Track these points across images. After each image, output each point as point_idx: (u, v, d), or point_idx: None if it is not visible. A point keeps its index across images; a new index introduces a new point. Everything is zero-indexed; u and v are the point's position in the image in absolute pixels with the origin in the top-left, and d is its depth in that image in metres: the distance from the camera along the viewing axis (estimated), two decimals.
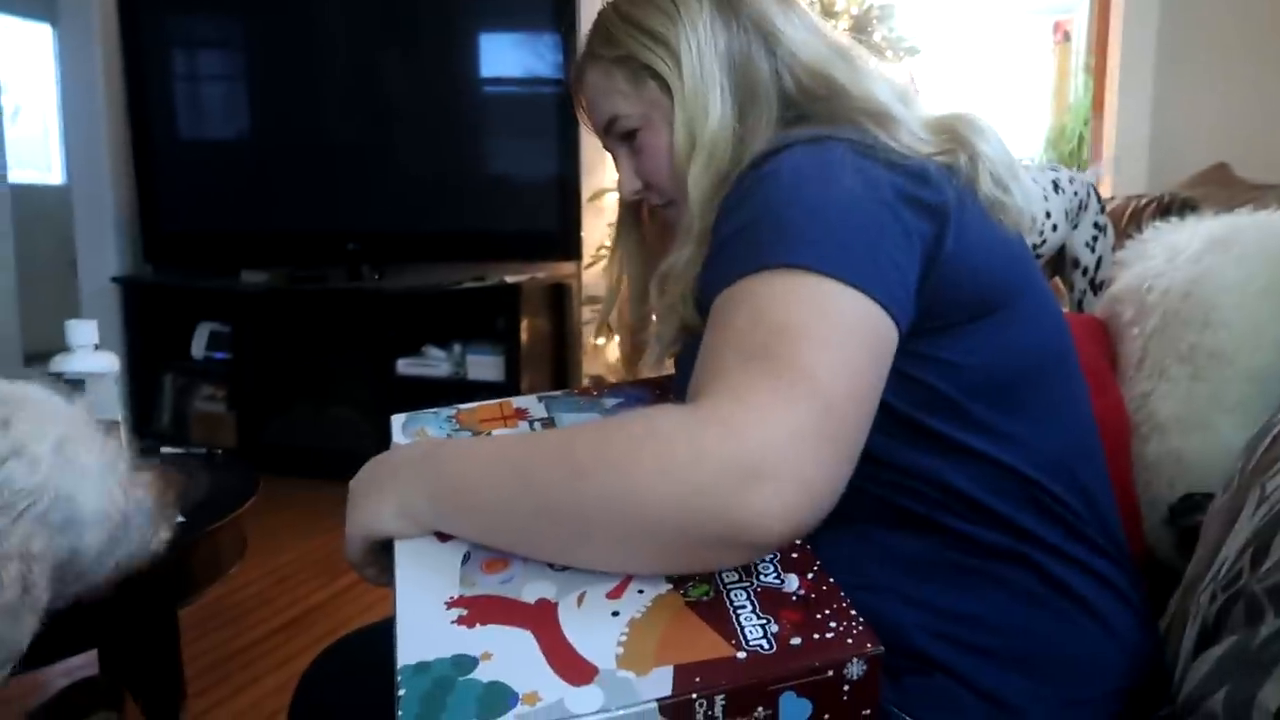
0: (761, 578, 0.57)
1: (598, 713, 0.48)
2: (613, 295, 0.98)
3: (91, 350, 1.29)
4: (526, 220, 3.14)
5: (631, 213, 0.97)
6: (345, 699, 0.81)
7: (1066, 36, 6.13)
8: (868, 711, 0.52)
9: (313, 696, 0.88)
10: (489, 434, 0.81)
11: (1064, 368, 0.76)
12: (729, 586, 0.56)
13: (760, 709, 0.50)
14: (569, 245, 3.10)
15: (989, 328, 0.69)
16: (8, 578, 0.61)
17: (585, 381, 3.16)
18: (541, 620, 0.54)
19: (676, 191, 0.83)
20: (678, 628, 0.53)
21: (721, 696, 0.49)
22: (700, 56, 0.80)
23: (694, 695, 0.49)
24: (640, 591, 0.56)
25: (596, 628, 0.53)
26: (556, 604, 0.55)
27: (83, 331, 1.29)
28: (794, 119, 0.80)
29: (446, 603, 0.56)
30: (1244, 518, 0.68)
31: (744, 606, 0.54)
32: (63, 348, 1.28)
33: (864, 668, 0.51)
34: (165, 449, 1.55)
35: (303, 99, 3.33)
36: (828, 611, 0.54)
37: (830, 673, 0.50)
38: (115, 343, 3.35)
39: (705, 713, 0.49)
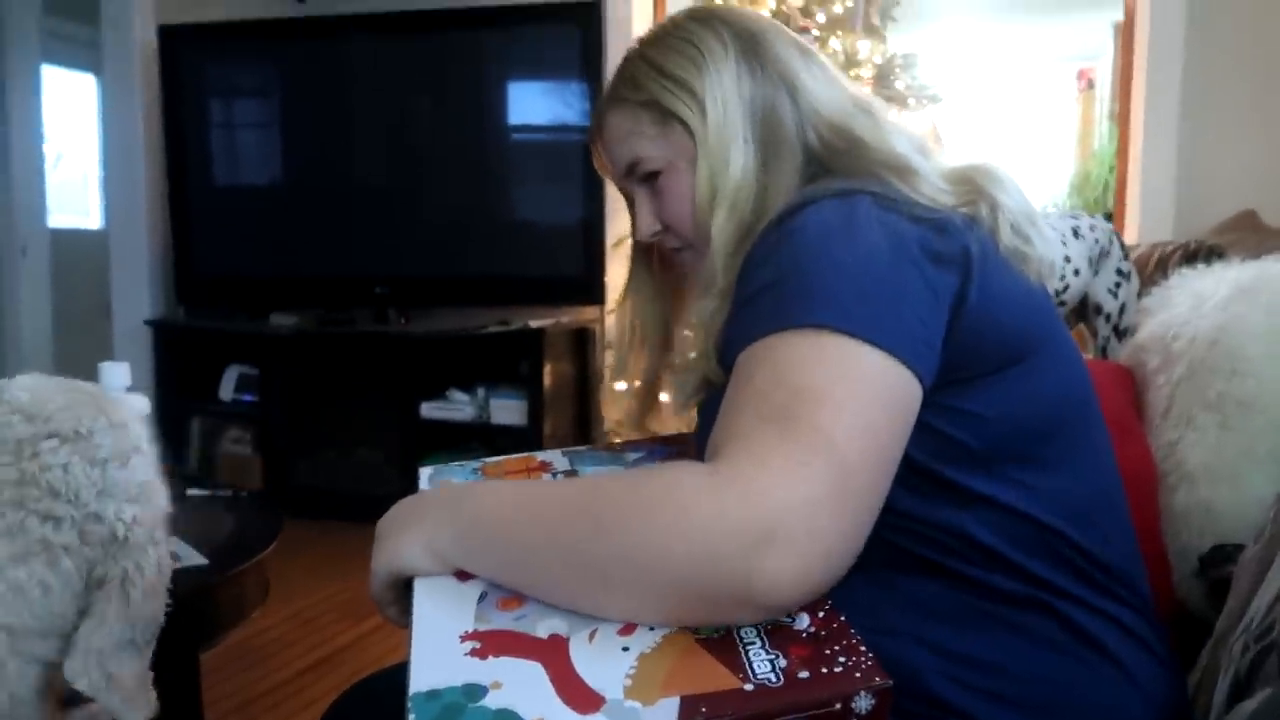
0: None
1: None
2: (624, 345, 0.98)
3: (124, 392, 1.32)
4: (551, 265, 3.17)
5: (643, 259, 0.96)
6: None
7: (1091, 84, 6.15)
8: None
9: None
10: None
11: (1086, 417, 0.75)
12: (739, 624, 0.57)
13: None
14: (593, 290, 3.13)
15: (1012, 379, 0.69)
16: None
17: (606, 426, 3.16)
18: (553, 653, 0.55)
19: (696, 237, 0.83)
20: (686, 662, 0.53)
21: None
22: (725, 105, 0.80)
23: None
24: (651, 629, 0.57)
25: (606, 661, 0.54)
26: (568, 639, 0.56)
27: (116, 373, 1.32)
28: (815, 172, 0.80)
29: (461, 636, 0.57)
30: (1275, 569, 0.67)
31: (753, 643, 0.55)
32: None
33: (872, 701, 0.51)
34: (191, 490, 1.56)
35: (333, 146, 3.39)
36: (837, 647, 0.54)
37: (838, 705, 0.50)
38: (146, 384, 3.40)
39: None
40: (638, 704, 0.50)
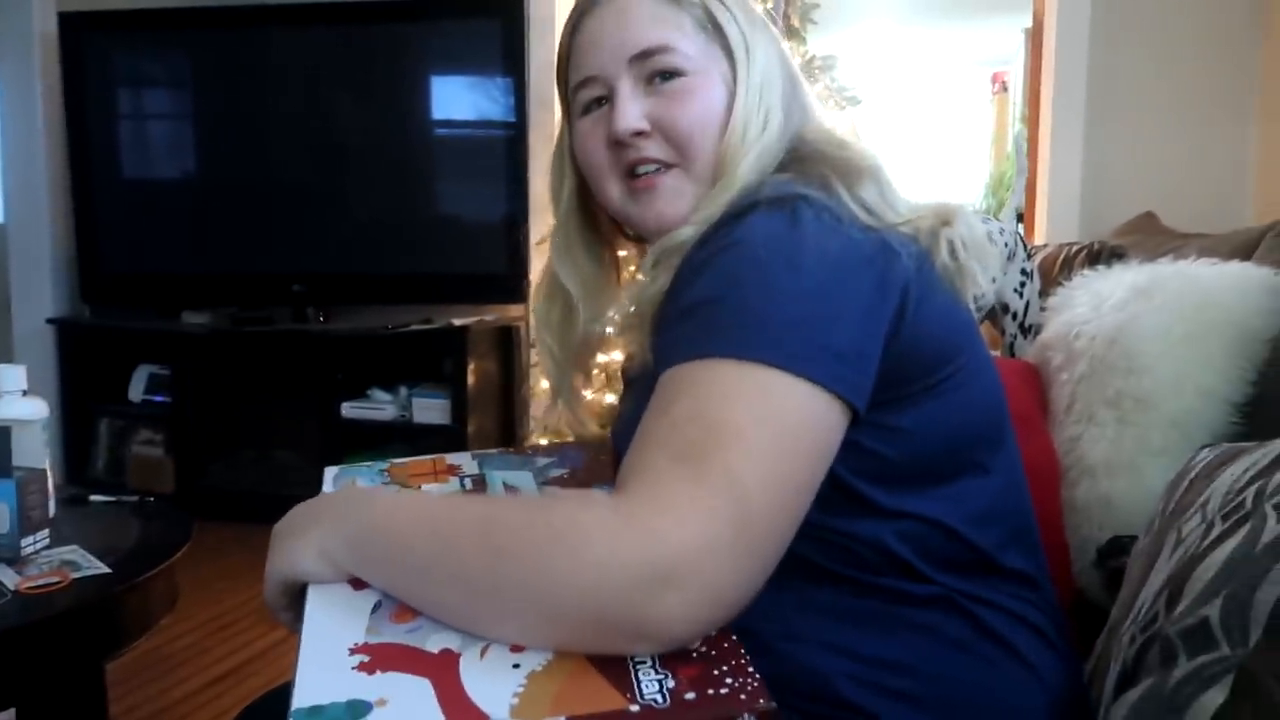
0: None
1: None
2: (555, 334, 0.89)
3: (19, 396, 1.27)
4: (474, 263, 3.14)
5: (579, 213, 0.89)
6: None
7: (1005, 87, 6.33)
8: None
9: None
10: (418, 489, 0.80)
11: (1000, 426, 0.77)
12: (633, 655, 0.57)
13: None
14: (517, 288, 3.10)
15: (936, 395, 0.69)
16: None
17: (531, 425, 3.15)
18: (442, 670, 0.54)
19: (699, 152, 0.77)
20: (575, 681, 0.53)
21: None
22: (767, 64, 0.80)
23: None
24: None
25: (495, 679, 0.53)
26: (459, 655, 0.55)
27: (10, 377, 1.27)
28: (783, 168, 0.77)
29: (350, 649, 0.56)
30: (1161, 560, 0.69)
31: (644, 662, 0.55)
32: None
33: None
34: (95, 497, 1.51)
35: (249, 139, 3.30)
36: (725, 668, 0.54)
37: None
38: (50, 386, 3.27)
39: None
40: None
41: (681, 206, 0.78)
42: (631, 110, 0.78)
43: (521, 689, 0.52)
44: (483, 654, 0.55)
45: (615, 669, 0.54)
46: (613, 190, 0.81)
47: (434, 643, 0.56)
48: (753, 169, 0.75)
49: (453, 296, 3.15)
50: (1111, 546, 1.01)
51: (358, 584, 0.62)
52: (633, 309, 0.75)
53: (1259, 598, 0.56)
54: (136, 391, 3.30)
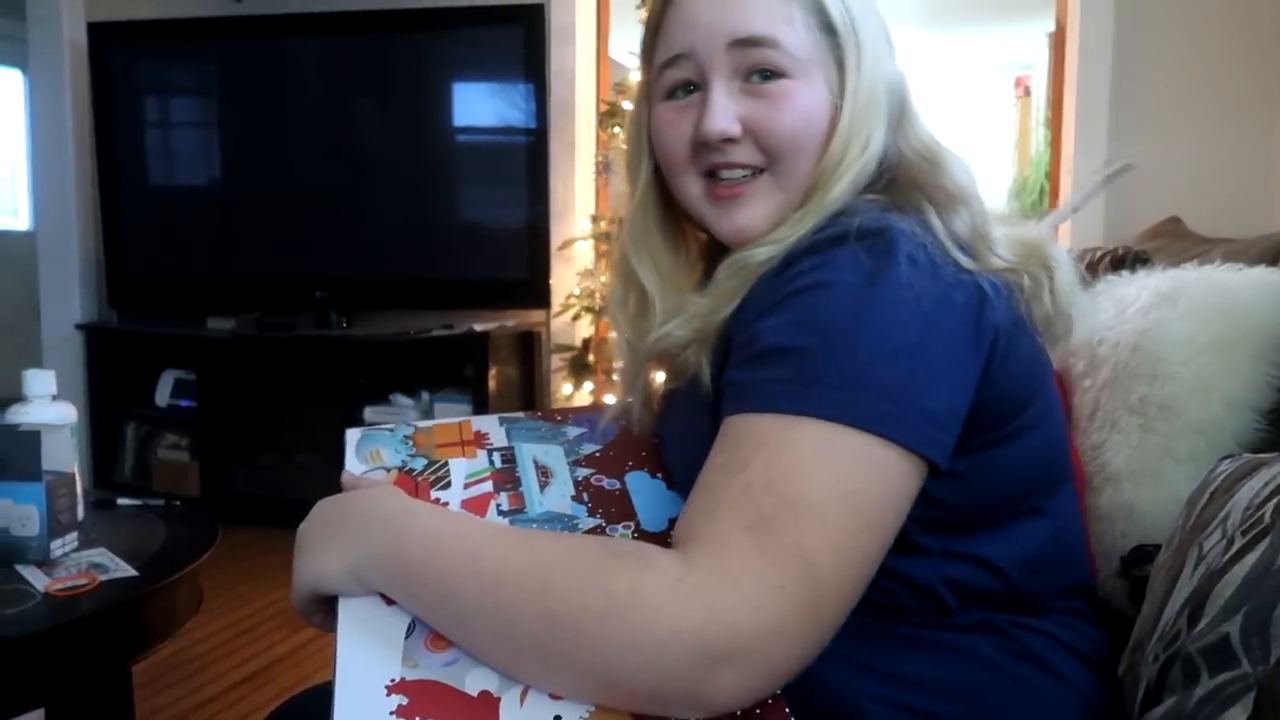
0: None
1: None
2: (631, 323, 0.80)
3: (49, 401, 1.29)
4: (496, 268, 3.16)
5: (658, 202, 0.80)
6: None
7: (1028, 91, 6.29)
8: None
9: None
10: (460, 468, 0.77)
11: (1061, 465, 0.74)
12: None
13: None
14: (538, 294, 3.12)
15: (1006, 442, 0.66)
16: None
17: None
18: (482, 716, 0.53)
19: (794, 161, 0.71)
20: None
21: None
22: (875, 71, 0.72)
23: None
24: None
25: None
26: (499, 700, 0.54)
27: (40, 382, 1.28)
28: (874, 186, 0.72)
29: (387, 687, 0.54)
30: (1184, 578, 0.69)
31: None
32: (24, 395, 1.27)
33: None
34: (122, 500, 1.53)
35: (273, 146, 3.34)
36: (758, 711, 0.55)
37: None
38: (78, 391, 3.31)
39: None
40: None
41: (764, 220, 0.71)
42: (725, 111, 0.70)
43: None
44: (522, 699, 0.54)
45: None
46: (692, 189, 0.74)
47: (472, 682, 0.55)
48: (846, 192, 0.69)
49: (474, 302, 3.17)
50: (1135, 555, 1.00)
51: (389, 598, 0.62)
52: (695, 325, 0.69)
53: (1279, 614, 0.55)
54: (162, 396, 3.34)
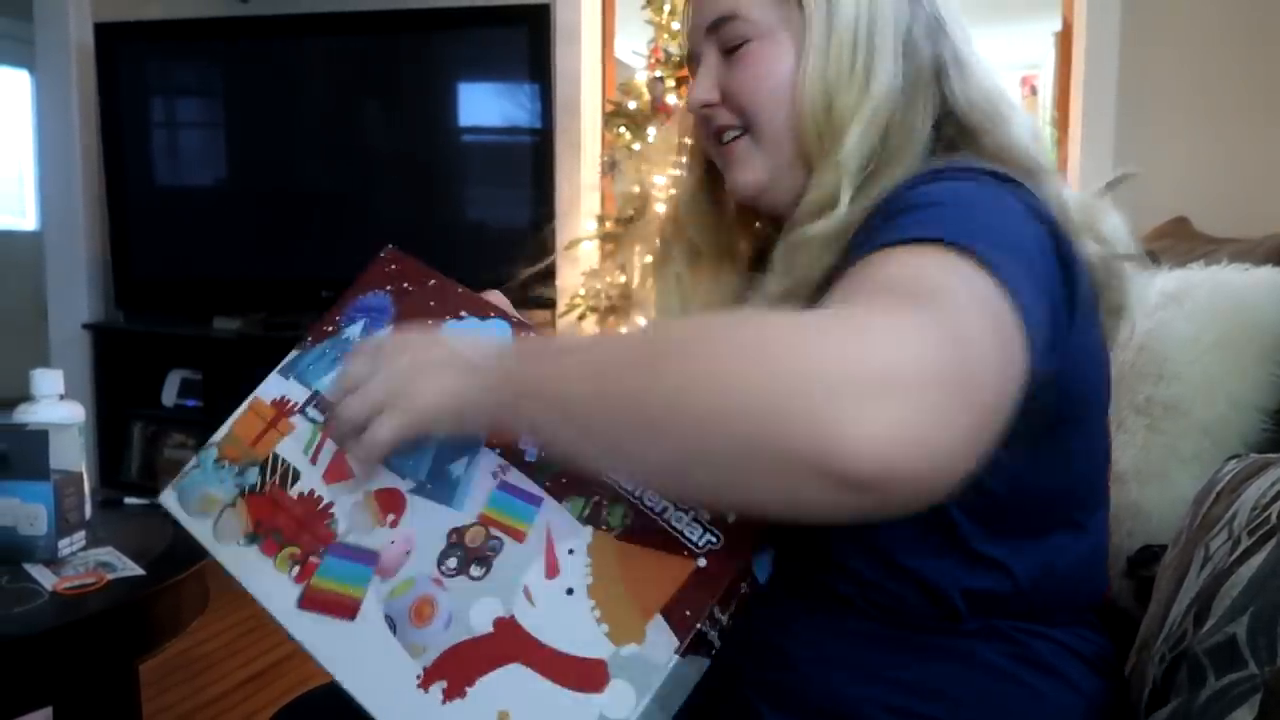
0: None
1: (639, 705, 0.47)
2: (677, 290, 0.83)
3: (56, 400, 1.29)
4: (501, 269, 3.15)
5: (700, 172, 0.83)
6: None
7: (1034, 91, 6.29)
8: None
9: None
10: (295, 449, 0.72)
11: (1104, 482, 0.72)
12: (639, 498, 0.54)
13: (742, 585, 0.51)
14: (544, 293, 3.12)
15: (1063, 436, 0.65)
16: None
17: None
18: (517, 644, 0.52)
19: (764, 119, 0.73)
20: (632, 570, 0.51)
21: (717, 608, 0.49)
22: (871, 8, 0.70)
23: (698, 626, 0.48)
24: (570, 552, 0.53)
25: (566, 618, 0.51)
26: (513, 617, 0.53)
27: (47, 381, 1.29)
28: (945, 141, 0.70)
29: (417, 681, 0.53)
30: (1190, 578, 0.69)
31: (665, 509, 0.51)
32: (32, 395, 1.28)
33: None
34: (129, 500, 1.53)
35: (278, 147, 3.34)
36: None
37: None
38: (85, 390, 3.32)
39: (713, 629, 0.49)
40: (635, 646, 0.49)
41: (752, 175, 0.75)
42: (702, 83, 0.76)
43: (598, 612, 0.50)
44: (530, 600, 0.53)
45: (650, 532, 0.51)
46: (709, 153, 0.80)
47: (478, 621, 0.54)
48: (860, 144, 0.67)
49: None
50: (1142, 555, 1.00)
51: (349, 612, 0.59)
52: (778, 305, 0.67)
53: None
54: (169, 396, 3.35)
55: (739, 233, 0.85)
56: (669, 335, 0.52)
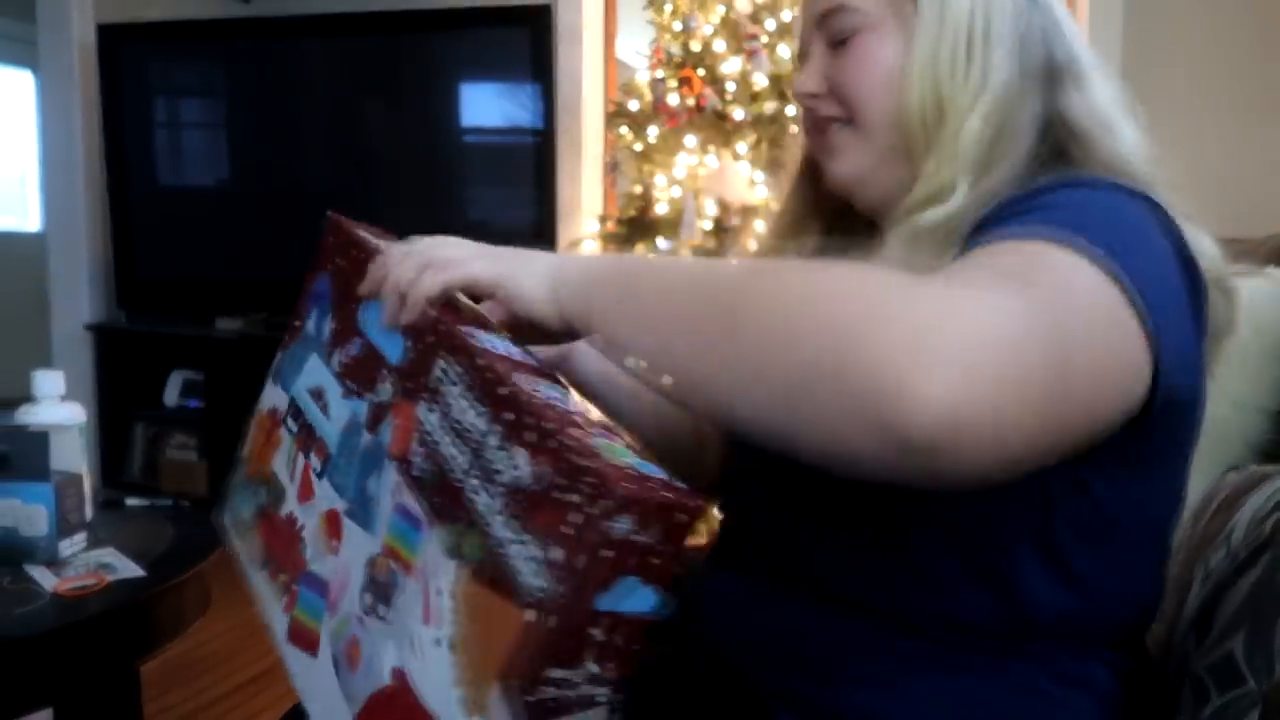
0: (498, 477, 0.47)
1: None
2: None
3: (57, 402, 1.29)
4: None
5: (806, 185, 0.83)
6: None
7: None
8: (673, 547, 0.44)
9: None
10: (283, 464, 0.68)
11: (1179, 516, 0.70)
12: (487, 525, 0.47)
13: (594, 631, 0.43)
14: None
15: (1178, 467, 0.64)
16: None
17: None
18: (406, 702, 0.48)
19: (868, 111, 0.72)
20: (479, 619, 0.45)
21: (559, 669, 0.43)
22: (987, 6, 0.69)
23: (529, 698, 0.42)
24: (438, 593, 0.47)
25: (437, 677, 0.46)
26: (405, 669, 0.49)
27: (49, 383, 1.29)
28: (1048, 157, 0.68)
29: None
30: (1192, 595, 0.68)
31: (505, 543, 0.45)
32: (33, 396, 1.28)
33: (632, 520, 0.42)
34: (131, 501, 1.53)
35: (280, 147, 3.34)
36: (575, 493, 0.43)
37: (609, 551, 0.42)
38: (87, 390, 3.32)
39: (571, 689, 0.43)
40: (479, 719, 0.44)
41: (852, 166, 0.74)
42: (808, 73, 0.75)
43: (456, 668, 0.45)
44: (415, 649, 0.48)
45: (497, 572, 0.45)
46: (811, 145, 0.80)
47: (384, 667, 0.50)
48: (980, 135, 0.66)
49: (480, 301, 3.17)
50: None
51: (308, 644, 0.56)
52: None
53: (1279, 630, 0.55)
54: (171, 396, 3.35)
55: (812, 222, 0.84)
56: (772, 264, 0.53)
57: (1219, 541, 0.69)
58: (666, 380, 0.51)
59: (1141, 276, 0.52)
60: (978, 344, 0.43)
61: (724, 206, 2.59)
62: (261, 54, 3.30)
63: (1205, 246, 0.65)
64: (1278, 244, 1.57)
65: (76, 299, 3.43)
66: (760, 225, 2.52)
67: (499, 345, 0.57)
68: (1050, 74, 0.70)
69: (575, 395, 0.59)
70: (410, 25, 3.19)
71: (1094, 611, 0.64)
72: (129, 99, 3.35)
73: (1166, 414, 0.56)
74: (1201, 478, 0.87)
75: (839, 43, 0.73)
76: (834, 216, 0.81)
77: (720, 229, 2.58)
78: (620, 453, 0.47)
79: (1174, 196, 0.66)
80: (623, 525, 0.42)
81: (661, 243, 2.65)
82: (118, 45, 3.31)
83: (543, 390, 0.51)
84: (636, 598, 0.43)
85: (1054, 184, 0.61)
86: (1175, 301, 0.56)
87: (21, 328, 4.34)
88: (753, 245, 0.84)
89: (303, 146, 3.35)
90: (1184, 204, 0.65)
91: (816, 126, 0.77)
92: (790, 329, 0.46)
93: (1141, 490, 0.61)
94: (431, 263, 0.62)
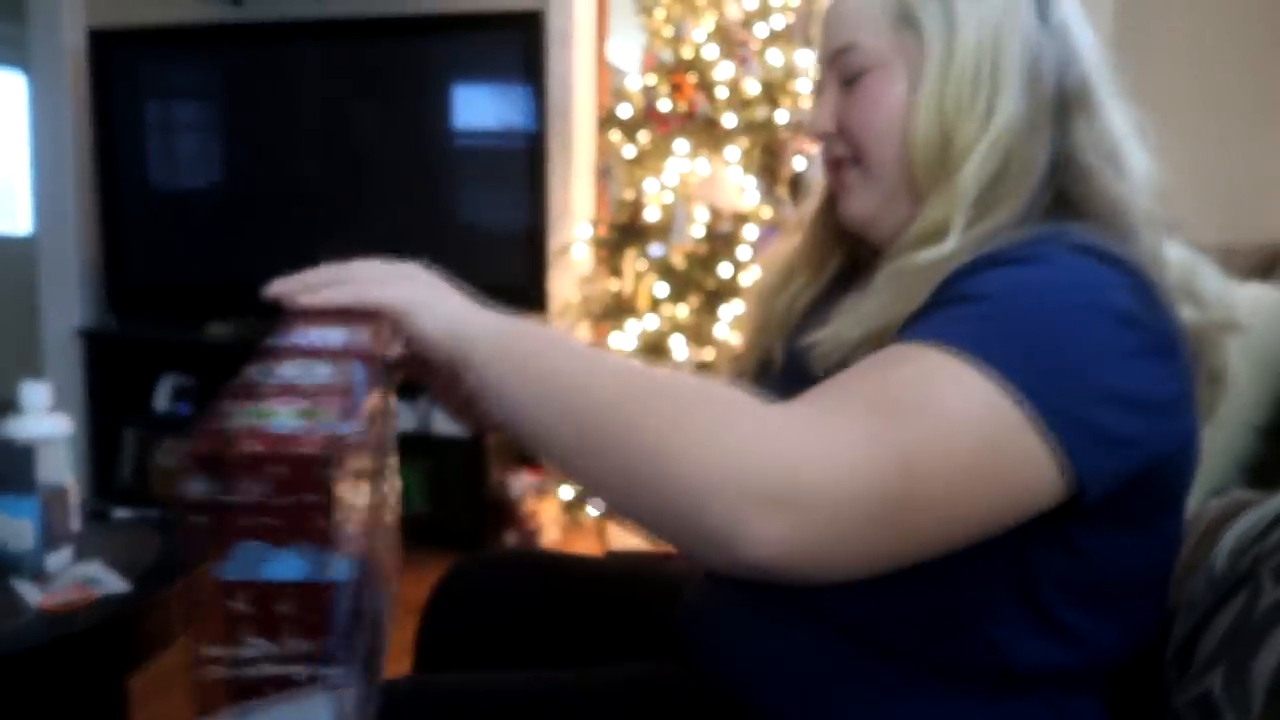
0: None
1: None
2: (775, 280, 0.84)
3: (45, 413, 1.28)
4: (494, 273, 3.15)
5: (825, 218, 0.83)
6: None
7: None
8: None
9: None
10: None
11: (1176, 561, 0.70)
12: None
13: (231, 602, 0.42)
14: (536, 298, 3.11)
15: (1159, 524, 0.64)
16: None
17: None
18: None
19: (874, 153, 0.72)
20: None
21: (200, 640, 0.42)
22: (996, 36, 0.67)
23: (204, 679, 0.42)
24: None
25: None
26: None
27: (36, 394, 1.28)
28: (1051, 201, 0.67)
29: None
30: (1176, 627, 0.68)
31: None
32: (20, 408, 1.27)
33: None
34: (119, 512, 1.52)
35: (272, 152, 3.34)
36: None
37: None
38: (78, 395, 3.31)
39: (225, 665, 0.42)
40: None
41: (860, 206, 0.75)
42: (821, 113, 0.76)
43: None
44: None
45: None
46: (829, 179, 0.81)
47: None
48: (978, 174, 0.65)
49: None
50: None
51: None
52: (869, 325, 0.66)
53: (1257, 666, 0.55)
54: (162, 401, 3.34)
55: (834, 252, 0.85)
56: (651, 383, 0.54)
57: (1200, 572, 0.69)
58: (544, 457, 0.56)
59: (1052, 378, 0.53)
60: (815, 490, 0.47)
61: (715, 213, 2.59)
62: (254, 58, 3.29)
63: (1210, 291, 0.65)
64: (1267, 255, 1.57)
65: (67, 303, 3.41)
66: (752, 232, 2.52)
67: (329, 339, 0.58)
68: (1062, 104, 0.68)
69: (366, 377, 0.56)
70: (402, 30, 3.18)
71: (1087, 661, 0.64)
72: (120, 102, 3.33)
73: (1150, 475, 0.57)
74: (1193, 491, 0.87)
75: (849, 81, 0.73)
76: (856, 242, 0.81)
77: (712, 235, 2.58)
78: (266, 414, 0.46)
79: (1177, 221, 0.66)
80: (203, 486, 0.42)
81: (653, 248, 2.65)
82: (109, 49, 3.30)
83: (294, 370, 0.52)
84: (272, 563, 0.43)
85: (1000, 257, 0.60)
86: (1121, 380, 0.55)
87: (11, 332, 4.32)
88: (765, 269, 0.86)
89: (295, 152, 3.34)
90: (1191, 229, 0.65)
91: (831, 164, 0.78)
92: (652, 469, 0.50)
93: (1136, 543, 0.62)
94: (352, 279, 0.66)
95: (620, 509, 0.52)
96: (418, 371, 0.69)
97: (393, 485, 0.75)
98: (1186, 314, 0.63)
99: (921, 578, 0.60)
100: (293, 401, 0.48)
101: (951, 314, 0.57)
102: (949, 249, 0.64)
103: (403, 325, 0.64)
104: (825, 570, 0.49)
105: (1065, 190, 0.68)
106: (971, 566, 0.59)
